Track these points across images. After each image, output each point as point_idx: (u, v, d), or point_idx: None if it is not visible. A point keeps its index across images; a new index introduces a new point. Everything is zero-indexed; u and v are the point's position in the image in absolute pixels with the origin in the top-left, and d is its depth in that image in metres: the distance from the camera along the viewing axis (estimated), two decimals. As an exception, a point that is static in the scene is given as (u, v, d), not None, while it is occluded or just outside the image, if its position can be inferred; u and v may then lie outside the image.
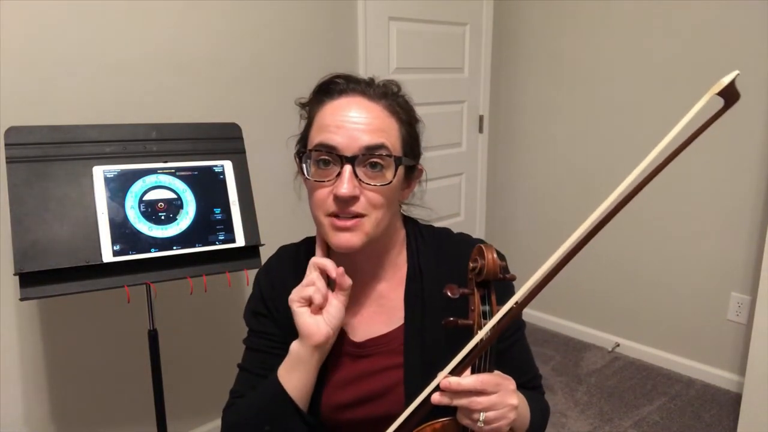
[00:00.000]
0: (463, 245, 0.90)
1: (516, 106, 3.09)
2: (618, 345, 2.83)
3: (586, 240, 0.59)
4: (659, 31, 2.49)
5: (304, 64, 2.19)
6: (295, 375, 0.83)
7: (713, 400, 2.42)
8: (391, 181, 0.79)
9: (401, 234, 0.93)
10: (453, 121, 2.89)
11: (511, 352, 0.91)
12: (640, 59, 2.56)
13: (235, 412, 0.90)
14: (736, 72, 0.58)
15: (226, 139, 1.58)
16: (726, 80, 0.58)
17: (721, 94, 0.59)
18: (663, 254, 2.63)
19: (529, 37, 2.97)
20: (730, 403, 2.39)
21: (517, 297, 0.65)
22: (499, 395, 0.71)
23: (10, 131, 1.33)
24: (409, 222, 0.96)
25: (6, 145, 1.32)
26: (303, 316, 0.81)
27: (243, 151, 1.59)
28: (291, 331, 0.86)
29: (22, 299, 1.27)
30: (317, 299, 0.80)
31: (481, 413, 0.70)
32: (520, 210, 3.16)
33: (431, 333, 0.85)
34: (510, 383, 0.74)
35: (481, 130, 3.04)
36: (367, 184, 0.78)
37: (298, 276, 0.90)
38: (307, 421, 0.84)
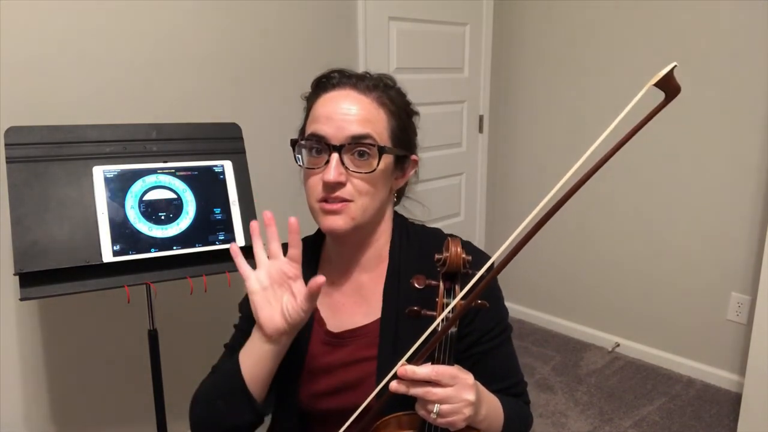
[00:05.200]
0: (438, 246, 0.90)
1: (516, 106, 3.08)
2: (618, 345, 2.83)
3: (530, 235, 0.62)
4: (660, 30, 2.49)
5: (304, 63, 2.19)
6: (248, 358, 0.84)
7: (713, 400, 2.42)
8: (375, 169, 0.83)
9: (389, 227, 0.95)
10: (453, 121, 2.89)
11: (492, 355, 0.91)
12: (640, 59, 2.56)
13: (202, 383, 0.94)
14: (674, 64, 0.58)
15: (226, 139, 1.58)
16: (663, 72, 0.57)
17: (659, 86, 0.58)
18: (663, 254, 2.63)
19: (529, 37, 2.97)
20: (730, 403, 2.39)
21: (469, 286, 0.67)
22: (454, 389, 0.71)
23: (10, 131, 1.33)
24: (398, 217, 0.97)
25: (6, 145, 1.32)
26: (257, 297, 0.81)
27: (243, 151, 1.59)
28: None
29: (22, 299, 1.26)
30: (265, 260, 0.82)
31: (436, 405, 0.70)
32: (520, 210, 3.16)
33: (405, 328, 0.86)
34: (468, 378, 0.73)
35: (481, 130, 3.04)
36: (354, 171, 0.83)
37: None
38: (253, 404, 0.83)
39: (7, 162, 1.31)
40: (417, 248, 0.93)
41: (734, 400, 2.37)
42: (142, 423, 1.93)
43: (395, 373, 0.71)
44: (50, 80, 1.62)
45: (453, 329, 0.72)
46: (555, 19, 2.85)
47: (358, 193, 0.83)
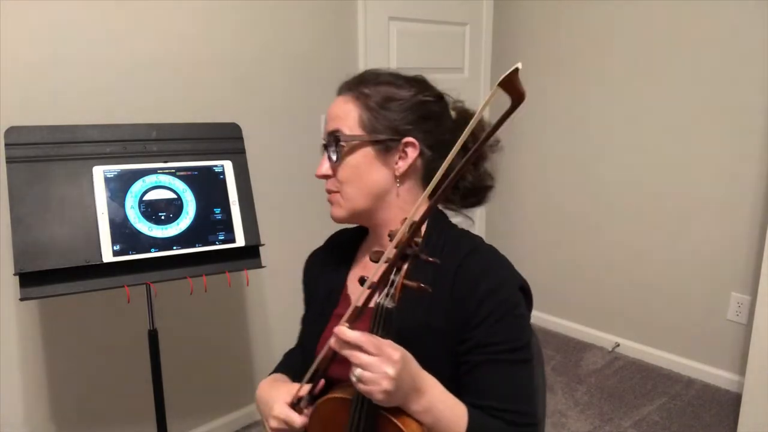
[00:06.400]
0: (464, 251, 0.89)
1: (516, 106, 3.08)
2: (618, 345, 2.83)
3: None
4: (660, 31, 2.49)
5: (304, 64, 2.19)
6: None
7: (713, 400, 2.42)
8: (339, 157, 0.91)
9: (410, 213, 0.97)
10: (453, 121, 2.89)
11: (487, 369, 0.84)
12: (640, 59, 2.56)
13: (289, 351, 1.15)
14: (517, 64, 0.52)
15: (226, 139, 1.58)
16: (506, 73, 0.53)
17: (504, 89, 0.54)
18: (663, 254, 2.63)
19: (529, 37, 2.97)
20: (730, 403, 2.39)
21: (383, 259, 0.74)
22: (377, 359, 0.72)
23: (10, 131, 1.33)
24: (440, 217, 0.96)
25: (6, 145, 1.32)
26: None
27: (243, 151, 1.59)
28: (311, 293, 1.07)
29: (22, 299, 1.27)
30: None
31: (357, 369, 0.72)
32: (519, 209, 3.16)
33: (413, 314, 0.87)
34: (393, 354, 0.73)
35: (481, 130, 3.03)
36: (332, 164, 0.93)
37: (334, 252, 1.06)
38: None
39: (7, 162, 1.31)
40: (441, 247, 0.91)
41: (734, 400, 2.37)
42: (142, 423, 1.93)
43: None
44: (50, 80, 1.62)
45: (389, 304, 0.74)
46: (555, 20, 2.85)
47: (341, 183, 0.93)
